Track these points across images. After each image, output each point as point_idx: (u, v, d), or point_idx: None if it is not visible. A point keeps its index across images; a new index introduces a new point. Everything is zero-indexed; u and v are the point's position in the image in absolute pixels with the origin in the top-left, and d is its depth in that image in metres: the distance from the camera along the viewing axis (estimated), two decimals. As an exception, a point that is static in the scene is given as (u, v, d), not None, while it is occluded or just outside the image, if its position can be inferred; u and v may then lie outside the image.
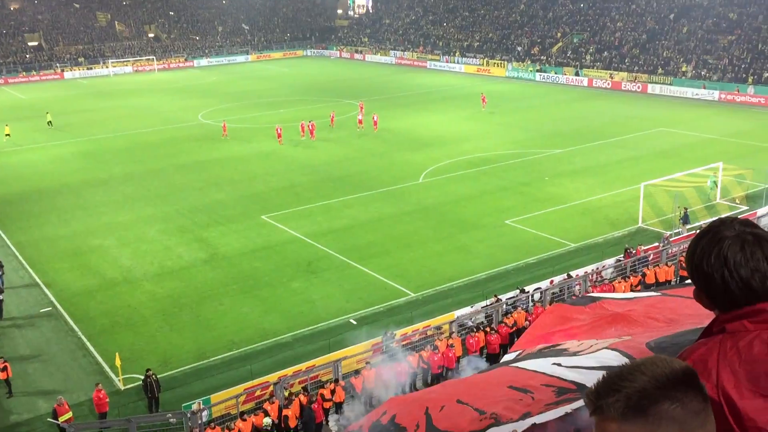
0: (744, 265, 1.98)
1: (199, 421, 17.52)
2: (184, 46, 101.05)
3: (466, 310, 23.01)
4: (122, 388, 20.24)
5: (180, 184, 39.19)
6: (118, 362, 20.19)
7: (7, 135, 50.94)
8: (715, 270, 2.01)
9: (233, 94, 69.33)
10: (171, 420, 17.61)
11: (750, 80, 58.98)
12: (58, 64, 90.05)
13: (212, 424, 17.22)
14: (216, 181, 39.28)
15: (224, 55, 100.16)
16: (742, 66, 60.98)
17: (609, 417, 1.61)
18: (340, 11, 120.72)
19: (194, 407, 17.93)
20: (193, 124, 55.74)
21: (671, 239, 27.60)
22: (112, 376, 20.71)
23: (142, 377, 19.34)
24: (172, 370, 20.89)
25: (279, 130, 47.94)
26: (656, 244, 27.28)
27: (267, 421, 17.22)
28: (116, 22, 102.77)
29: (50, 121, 54.81)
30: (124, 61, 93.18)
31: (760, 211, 30.08)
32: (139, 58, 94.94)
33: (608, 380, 1.64)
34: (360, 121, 51.03)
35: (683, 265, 24.85)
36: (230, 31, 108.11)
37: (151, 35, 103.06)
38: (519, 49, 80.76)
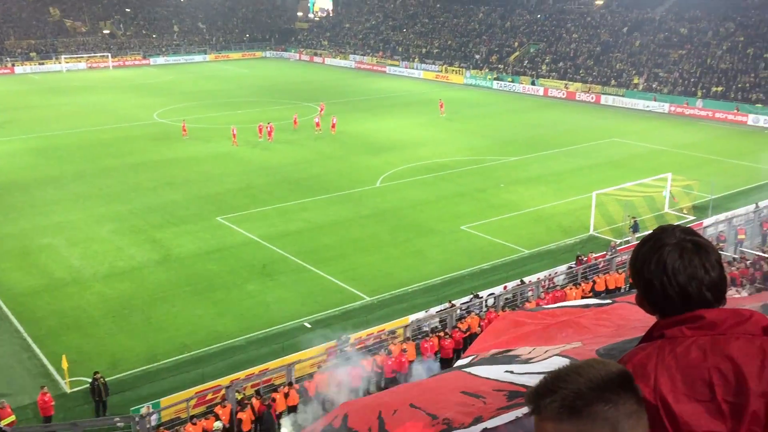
0: (682, 272, 2.07)
1: (148, 425, 17.21)
2: (140, 44, 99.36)
3: (420, 315, 23.14)
4: (69, 391, 19.76)
5: (133, 183, 38.50)
6: (64, 365, 19.71)
7: None
8: (654, 276, 2.09)
9: (190, 94, 68.45)
10: (118, 424, 17.28)
11: (699, 94, 60.78)
12: (8, 59, 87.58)
13: (161, 429, 16.94)
14: (170, 181, 38.71)
15: (181, 54, 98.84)
16: (692, 80, 62.81)
17: (546, 417, 1.67)
18: (300, 14, 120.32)
19: (143, 411, 17.61)
20: (148, 122, 54.84)
21: (619, 248, 28.23)
22: (59, 378, 20.21)
23: (90, 380, 18.92)
24: (121, 373, 20.48)
25: (234, 131, 47.48)
26: (604, 252, 27.85)
27: (217, 425, 17.02)
28: (67, 18, 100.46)
29: None
30: (77, 57, 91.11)
31: (706, 221, 30.98)
32: (93, 54, 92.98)
33: (546, 382, 1.70)
34: (317, 124, 51.01)
35: (632, 272, 25.44)
36: (188, 30, 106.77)
37: (106, 31, 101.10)
38: (477, 57, 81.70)
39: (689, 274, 2.06)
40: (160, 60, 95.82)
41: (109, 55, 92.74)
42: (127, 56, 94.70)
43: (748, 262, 25.74)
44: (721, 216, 31.55)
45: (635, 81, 66.04)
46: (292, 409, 18.44)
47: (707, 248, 2.10)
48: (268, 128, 47.96)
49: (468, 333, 21.30)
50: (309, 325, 23.11)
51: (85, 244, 29.91)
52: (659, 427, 1.93)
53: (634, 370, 1.94)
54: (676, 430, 1.94)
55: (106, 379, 19.02)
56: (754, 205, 32.38)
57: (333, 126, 50.29)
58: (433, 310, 23.32)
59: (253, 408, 17.71)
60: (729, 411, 1.91)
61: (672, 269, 2.07)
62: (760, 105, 56.32)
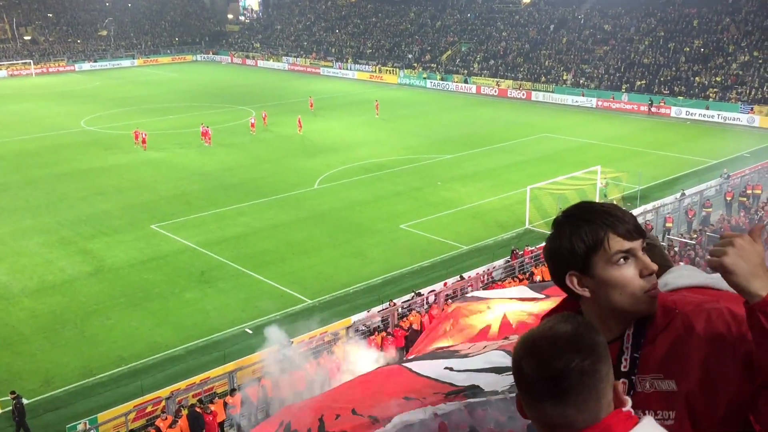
0: None
1: (86, 442, 16.71)
2: (64, 50, 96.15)
3: (362, 315, 23.17)
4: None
5: (61, 194, 37.23)
6: (-6, 385, 18.93)
7: None
8: None
9: (119, 100, 66.61)
10: (54, 443, 16.69)
11: (623, 88, 62.79)
12: None
13: (100, 445, 16.46)
14: (101, 191, 37.60)
15: (108, 59, 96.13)
16: (617, 75, 64.84)
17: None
18: (230, 16, 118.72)
19: (79, 428, 17.07)
20: (75, 131, 53.12)
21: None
22: (-12, 400, 19.39)
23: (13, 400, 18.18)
24: (55, 390, 19.80)
25: (144, 135, 46.43)
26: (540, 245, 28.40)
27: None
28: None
29: None
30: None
31: (635, 211, 31.97)
32: (14, 61, 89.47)
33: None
34: (252, 125, 50.92)
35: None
36: (115, 34, 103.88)
37: (27, 38, 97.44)
38: (410, 56, 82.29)
39: None
40: (86, 66, 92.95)
41: (32, 62, 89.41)
42: (50, 63, 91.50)
43: (676, 249, 26.74)
44: (649, 206, 32.69)
45: (564, 77, 67.74)
46: (233, 418, 18.18)
47: None
48: (205, 131, 47.45)
49: (410, 331, 21.43)
50: (250, 331, 22.83)
51: (12, 258, 28.77)
52: None
53: None
54: None
55: (38, 397, 18.31)
56: (680, 193, 33.65)
57: (299, 124, 50.59)
58: (375, 310, 23.38)
59: (194, 417, 17.35)
60: None
61: None
62: (681, 97, 58.60)
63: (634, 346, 2.09)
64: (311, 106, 59.10)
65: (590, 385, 1.73)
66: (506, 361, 8.35)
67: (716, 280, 2.19)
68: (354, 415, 9.23)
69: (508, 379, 7.83)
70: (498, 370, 7.89)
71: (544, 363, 1.74)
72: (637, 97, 60.93)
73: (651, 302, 2.08)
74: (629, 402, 1.82)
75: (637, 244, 2.06)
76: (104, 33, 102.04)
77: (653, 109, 58.63)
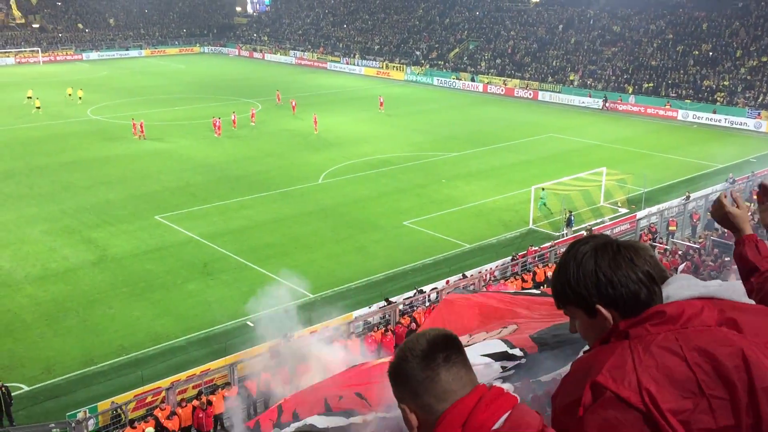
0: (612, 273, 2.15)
1: (85, 431, 16.74)
2: (72, 38, 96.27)
3: (363, 311, 23.17)
4: None
5: (66, 182, 37.30)
6: (-5, 371, 18.99)
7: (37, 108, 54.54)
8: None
9: (125, 90, 66.70)
10: (54, 430, 16.74)
11: (630, 90, 62.61)
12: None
13: (99, 433, 16.49)
14: (106, 180, 37.66)
15: (116, 49, 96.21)
16: (624, 76, 64.65)
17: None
18: (239, 9, 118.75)
19: (79, 416, 17.11)
20: (81, 119, 53.21)
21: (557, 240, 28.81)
22: (-11, 385, 19.42)
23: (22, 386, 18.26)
24: (56, 378, 19.86)
25: (141, 124, 46.72)
26: (543, 245, 28.38)
27: (149, 431, 16.56)
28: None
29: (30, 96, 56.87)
30: (5, 52, 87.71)
31: (639, 214, 31.95)
32: (22, 49, 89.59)
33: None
34: (252, 116, 51.51)
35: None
36: (123, 24, 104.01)
37: (35, 26, 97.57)
38: (417, 53, 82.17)
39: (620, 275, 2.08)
40: (94, 55, 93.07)
41: (39, 50, 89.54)
42: (58, 51, 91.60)
43: (679, 252, 26.66)
44: (654, 208, 32.59)
45: (571, 77, 67.56)
46: (231, 410, 18.20)
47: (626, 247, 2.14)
48: (217, 123, 47.74)
49: (410, 328, 21.42)
50: (251, 324, 22.83)
51: (15, 245, 28.83)
52: (653, 430, 1.89)
53: (610, 374, 1.93)
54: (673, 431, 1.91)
55: (39, 384, 18.36)
56: (685, 196, 33.52)
57: (315, 122, 49.33)
58: (377, 306, 23.37)
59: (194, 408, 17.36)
60: (718, 406, 1.92)
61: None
62: (689, 101, 58.40)
63: None
64: (278, 99, 59.89)
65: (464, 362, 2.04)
66: (500, 347, 8.52)
67: (716, 289, 2.21)
68: (358, 397, 9.39)
69: (497, 366, 8.00)
70: (495, 357, 8.07)
71: (437, 335, 2.06)
72: (644, 99, 60.73)
73: None
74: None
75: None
76: (113, 22, 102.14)
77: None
